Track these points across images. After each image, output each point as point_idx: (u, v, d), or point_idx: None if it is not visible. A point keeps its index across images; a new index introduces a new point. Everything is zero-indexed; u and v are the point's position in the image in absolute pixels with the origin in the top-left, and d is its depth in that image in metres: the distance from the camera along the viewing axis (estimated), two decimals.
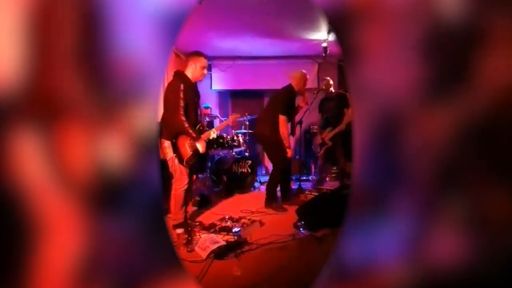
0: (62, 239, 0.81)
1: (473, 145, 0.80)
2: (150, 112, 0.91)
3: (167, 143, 2.47)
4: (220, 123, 3.45)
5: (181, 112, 2.37)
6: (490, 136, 0.79)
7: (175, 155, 2.46)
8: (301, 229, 2.55)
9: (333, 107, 3.95)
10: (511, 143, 0.78)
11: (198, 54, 2.49)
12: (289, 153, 3.28)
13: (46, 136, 0.79)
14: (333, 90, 4.03)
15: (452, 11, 0.79)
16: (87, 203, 0.82)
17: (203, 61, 2.46)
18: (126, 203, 0.88)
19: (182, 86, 2.37)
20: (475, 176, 0.81)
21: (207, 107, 4.65)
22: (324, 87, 3.95)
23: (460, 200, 0.81)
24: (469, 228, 0.81)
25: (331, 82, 4.01)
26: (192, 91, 2.51)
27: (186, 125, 2.41)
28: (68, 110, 0.80)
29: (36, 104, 0.78)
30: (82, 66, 0.80)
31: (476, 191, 0.81)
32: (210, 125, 4.33)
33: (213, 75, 5.44)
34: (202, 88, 5.17)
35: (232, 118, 3.07)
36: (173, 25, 0.89)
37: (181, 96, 2.36)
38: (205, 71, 2.51)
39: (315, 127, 4.50)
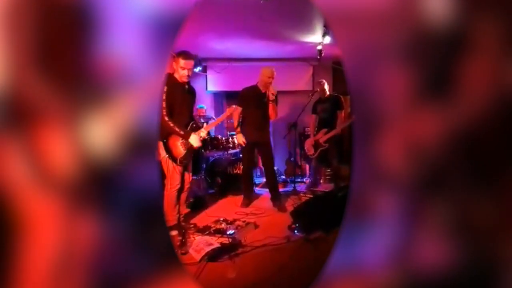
0: (45, 236, 0.81)
1: (458, 150, 0.81)
2: (142, 111, 0.90)
3: (159, 143, 2.47)
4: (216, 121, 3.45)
5: (164, 113, 2.41)
6: (473, 141, 0.80)
7: (167, 155, 2.46)
8: (295, 231, 2.55)
9: (327, 109, 3.98)
10: (494, 148, 0.79)
11: (179, 54, 2.47)
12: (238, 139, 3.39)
13: (23, 135, 0.79)
14: (328, 92, 4.06)
15: (438, 18, 0.80)
16: (72, 201, 0.82)
17: (181, 62, 2.45)
18: (120, 201, 0.87)
19: (165, 88, 2.41)
20: (460, 181, 0.82)
21: (201, 108, 4.64)
22: (318, 89, 4.01)
23: (445, 204, 0.82)
24: (453, 233, 0.82)
25: (326, 85, 4.04)
26: (180, 91, 2.53)
27: (171, 124, 2.44)
28: (43, 110, 0.80)
29: (8, 105, 0.77)
30: (54, 67, 0.80)
31: (460, 196, 0.82)
32: None
33: (208, 76, 5.43)
34: (197, 89, 5.14)
35: (229, 110, 3.02)
36: (169, 29, 0.89)
37: (163, 97, 2.40)
38: (185, 72, 2.47)
39: (308, 129, 4.51)
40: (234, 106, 3.10)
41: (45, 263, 0.81)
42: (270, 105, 3.26)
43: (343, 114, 3.96)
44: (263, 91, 3.29)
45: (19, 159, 0.78)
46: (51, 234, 0.81)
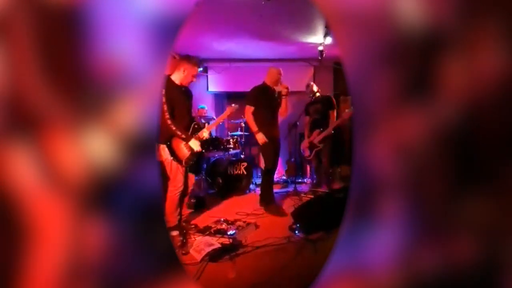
0: (53, 240, 0.81)
1: (445, 150, 0.81)
2: (142, 113, 0.90)
3: (162, 146, 2.48)
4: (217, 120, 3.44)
5: (166, 116, 2.41)
6: (460, 140, 0.80)
7: (172, 158, 2.47)
8: (296, 231, 2.55)
9: (319, 110, 4.01)
10: (480, 147, 0.79)
11: (193, 62, 2.48)
12: (260, 138, 3.21)
13: (29, 140, 0.79)
14: (318, 94, 4.10)
15: (414, 18, 0.80)
16: (79, 204, 0.82)
17: (195, 70, 2.49)
18: (122, 203, 0.88)
19: (163, 91, 2.41)
20: (451, 180, 0.82)
21: (202, 108, 4.64)
22: (307, 91, 4.11)
23: (436, 204, 0.82)
24: (452, 233, 0.82)
25: (315, 86, 4.12)
26: (179, 93, 2.53)
27: (173, 127, 2.44)
28: (47, 115, 0.80)
29: (13, 112, 0.78)
30: (55, 71, 0.80)
31: (456, 196, 0.81)
32: None
33: (209, 77, 5.43)
34: (198, 89, 5.19)
35: (229, 110, 2.97)
36: (169, 30, 0.89)
37: (164, 100, 2.40)
38: (195, 80, 2.56)
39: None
40: (233, 105, 2.99)
41: (54, 266, 0.82)
42: (284, 101, 3.29)
43: (335, 113, 3.97)
44: (272, 89, 3.33)
45: (27, 164, 0.79)
46: (59, 238, 0.82)
